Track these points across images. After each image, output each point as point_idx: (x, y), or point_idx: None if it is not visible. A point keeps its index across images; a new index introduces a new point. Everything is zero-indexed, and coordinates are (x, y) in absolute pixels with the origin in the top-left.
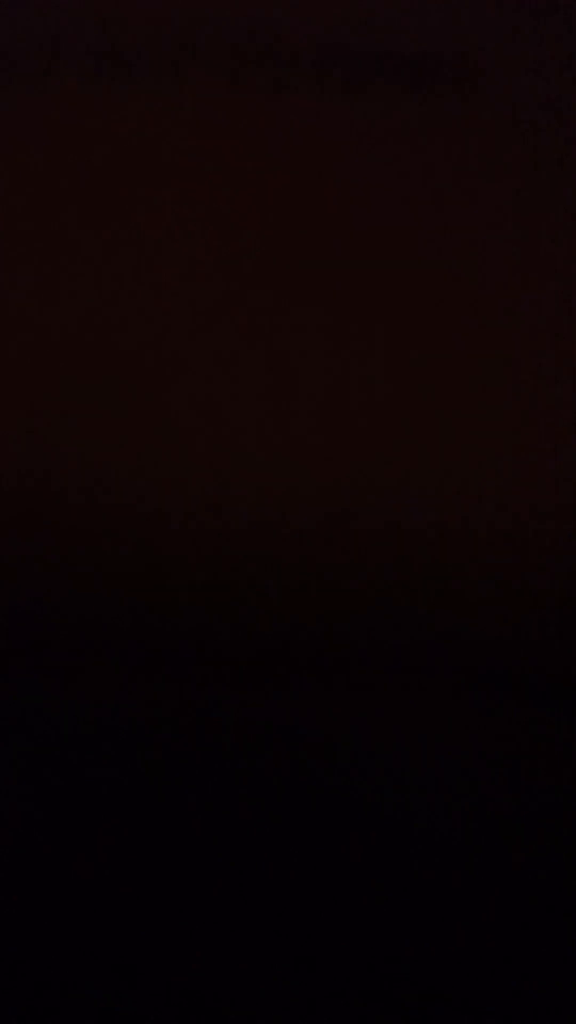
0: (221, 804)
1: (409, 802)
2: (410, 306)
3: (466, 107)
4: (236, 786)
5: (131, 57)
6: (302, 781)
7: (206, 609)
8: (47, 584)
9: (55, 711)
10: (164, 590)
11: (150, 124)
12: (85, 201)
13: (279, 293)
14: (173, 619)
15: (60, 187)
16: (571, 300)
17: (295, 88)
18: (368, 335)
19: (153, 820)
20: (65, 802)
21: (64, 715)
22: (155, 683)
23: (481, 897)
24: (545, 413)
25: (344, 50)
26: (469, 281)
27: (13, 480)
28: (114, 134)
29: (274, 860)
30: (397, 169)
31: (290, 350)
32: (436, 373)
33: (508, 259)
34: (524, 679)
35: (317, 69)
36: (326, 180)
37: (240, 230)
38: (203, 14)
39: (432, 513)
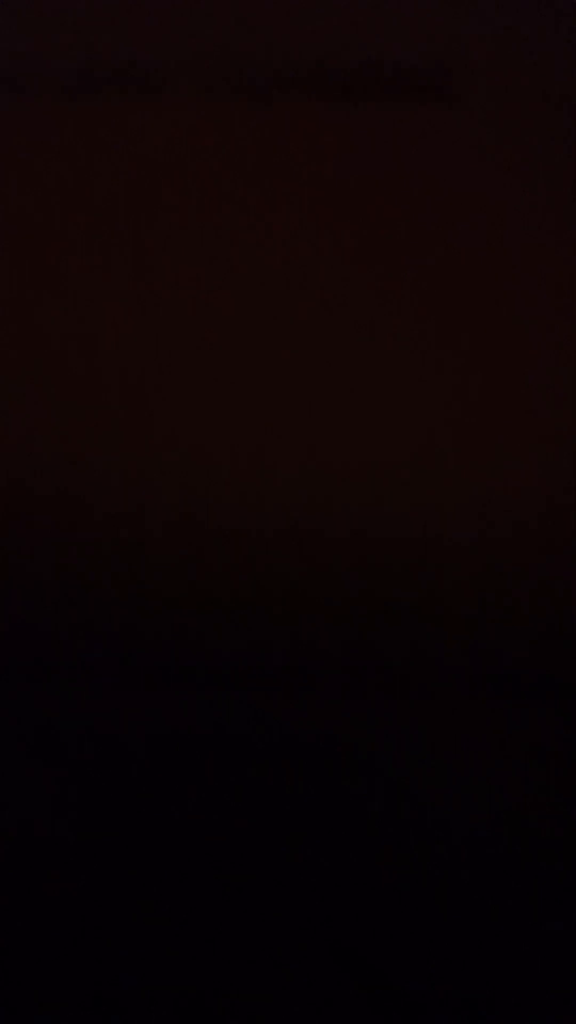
0: (225, 808)
1: (416, 804)
2: (402, 311)
3: (450, 115)
4: (240, 790)
5: (119, 68)
6: (307, 785)
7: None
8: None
9: (54, 713)
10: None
11: (138, 134)
12: (74, 210)
13: (272, 299)
14: (178, 628)
15: (45, 200)
16: (562, 301)
17: (282, 99)
18: (361, 339)
19: (152, 823)
20: (63, 802)
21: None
22: (156, 689)
23: (485, 897)
24: (543, 420)
25: (333, 62)
26: (459, 285)
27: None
28: (105, 142)
29: (280, 865)
30: (388, 175)
31: (285, 355)
32: (432, 381)
33: (493, 261)
34: (528, 681)
35: (305, 81)
36: (317, 188)
37: (231, 238)
38: (191, 30)
39: (435, 520)
